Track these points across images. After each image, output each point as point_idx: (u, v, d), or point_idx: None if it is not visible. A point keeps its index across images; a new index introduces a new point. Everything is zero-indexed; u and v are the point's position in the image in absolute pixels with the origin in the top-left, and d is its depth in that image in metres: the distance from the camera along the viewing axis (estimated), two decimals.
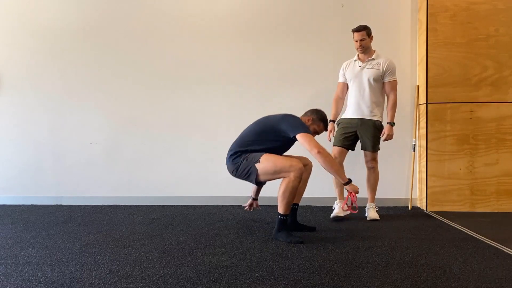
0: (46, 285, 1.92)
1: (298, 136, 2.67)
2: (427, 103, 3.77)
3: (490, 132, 3.72)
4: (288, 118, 2.80)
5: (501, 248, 2.52)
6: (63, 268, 2.15)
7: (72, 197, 4.15)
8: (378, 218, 3.33)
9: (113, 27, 4.16)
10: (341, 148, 3.38)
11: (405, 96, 4.01)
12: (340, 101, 3.52)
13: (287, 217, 2.68)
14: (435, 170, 3.76)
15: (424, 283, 1.93)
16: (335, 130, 3.50)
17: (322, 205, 3.90)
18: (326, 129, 3.04)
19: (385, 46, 4.01)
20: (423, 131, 3.82)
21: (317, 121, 2.92)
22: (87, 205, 4.04)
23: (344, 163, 3.54)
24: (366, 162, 3.43)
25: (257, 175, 2.68)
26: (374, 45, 4.05)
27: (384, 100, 3.45)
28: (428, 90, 3.77)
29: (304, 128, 2.71)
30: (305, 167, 2.81)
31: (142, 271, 2.09)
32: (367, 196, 3.50)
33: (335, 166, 2.72)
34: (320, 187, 3.96)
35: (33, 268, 2.16)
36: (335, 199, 3.92)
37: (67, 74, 4.18)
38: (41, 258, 2.32)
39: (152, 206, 3.98)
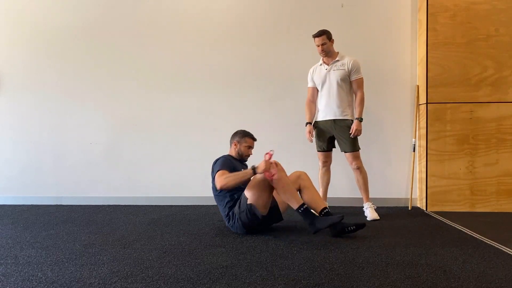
0: (46, 285, 1.92)
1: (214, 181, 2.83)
2: (427, 103, 3.77)
3: (490, 132, 3.72)
4: (212, 169, 2.95)
5: (501, 248, 2.51)
6: (63, 268, 2.15)
7: (72, 197, 4.16)
8: (378, 218, 3.33)
9: (113, 27, 4.16)
10: (325, 152, 3.52)
11: (405, 96, 4.01)
12: (312, 104, 3.59)
13: (305, 206, 2.65)
14: (435, 170, 3.76)
15: (424, 283, 1.93)
16: (314, 133, 3.55)
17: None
18: (254, 139, 3.14)
19: (385, 46, 4.02)
20: (423, 131, 3.82)
21: (242, 139, 3.06)
22: (87, 205, 4.04)
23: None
24: (350, 163, 3.44)
25: (253, 205, 2.72)
26: (374, 45, 4.07)
27: (353, 99, 3.50)
28: (428, 90, 3.77)
29: (215, 171, 2.84)
30: (300, 178, 2.89)
31: (142, 271, 2.09)
32: (361, 197, 3.52)
33: (235, 176, 2.73)
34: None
35: (33, 268, 2.16)
36: (336, 199, 3.96)
37: (67, 74, 4.18)
38: (41, 258, 2.32)
39: (152, 206, 3.98)
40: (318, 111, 3.56)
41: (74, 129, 4.19)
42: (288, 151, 3.94)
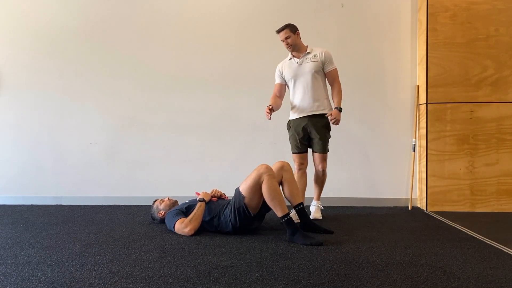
0: (46, 285, 1.92)
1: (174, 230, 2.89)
2: (427, 103, 3.77)
3: (490, 132, 3.72)
4: (168, 225, 2.97)
5: (501, 248, 2.51)
6: (63, 268, 2.15)
7: (72, 197, 4.16)
8: (320, 218, 3.31)
9: (113, 27, 4.16)
10: (301, 154, 3.31)
11: (405, 96, 4.01)
12: (277, 98, 3.35)
13: (289, 216, 2.68)
14: (435, 170, 3.76)
15: (424, 283, 1.93)
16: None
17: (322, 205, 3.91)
18: (157, 199, 3.28)
19: (385, 46, 4.02)
20: (423, 131, 3.82)
21: (158, 205, 3.21)
22: (87, 205, 4.04)
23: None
24: (317, 165, 3.28)
25: (246, 203, 2.75)
26: (374, 45, 4.06)
27: (328, 92, 3.33)
28: (428, 90, 3.77)
29: (173, 222, 2.88)
30: (283, 168, 2.90)
31: (142, 271, 2.09)
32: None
33: (193, 215, 2.85)
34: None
35: (33, 268, 2.15)
36: (334, 199, 3.95)
37: (67, 74, 4.18)
38: (41, 258, 2.32)
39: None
40: (292, 108, 3.34)
41: (74, 129, 4.19)
42: (285, 150, 3.94)
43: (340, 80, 3.32)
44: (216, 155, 4.13)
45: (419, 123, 3.94)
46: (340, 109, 3.18)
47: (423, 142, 3.81)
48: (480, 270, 2.12)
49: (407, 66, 4.01)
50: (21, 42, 4.20)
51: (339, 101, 3.21)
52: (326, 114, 3.20)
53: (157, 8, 4.14)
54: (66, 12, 4.18)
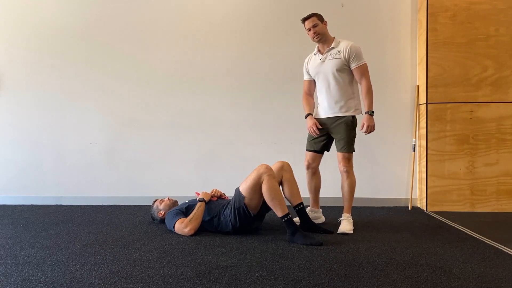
0: (46, 285, 1.92)
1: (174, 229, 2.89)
2: (427, 103, 3.77)
3: (490, 132, 3.72)
4: (168, 225, 2.97)
5: (501, 248, 2.52)
6: (63, 268, 2.15)
7: (72, 197, 4.16)
8: (351, 232, 2.86)
9: (113, 27, 4.16)
10: (313, 152, 3.11)
11: (405, 96, 4.02)
12: (309, 97, 3.16)
13: (289, 216, 2.68)
14: (435, 170, 3.76)
15: (424, 283, 1.93)
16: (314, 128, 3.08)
17: (323, 205, 3.90)
18: (157, 199, 3.28)
19: (385, 46, 4.02)
20: (423, 131, 3.82)
21: (157, 205, 3.21)
22: (87, 205, 4.04)
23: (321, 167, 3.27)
24: (339, 163, 3.00)
25: (246, 203, 2.74)
26: (374, 45, 4.05)
27: (357, 90, 3.04)
28: (428, 90, 3.77)
29: (173, 222, 2.87)
30: (283, 169, 2.91)
31: (142, 271, 2.09)
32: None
33: (193, 215, 2.84)
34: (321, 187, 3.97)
35: (33, 268, 2.15)
36: (334, 199, 3.93)
37: (67, 74, 4.18)
38: (41, 258, 2.32)
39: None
40: (317, 107, 3.14)
41: (74, 129, 4.19)
42: (285, 150, 3.95)
43: None
44: (216, 155, 4.13)
45: (419, 123, 3.94)
46: (371, 113, 2.92)
47: (423, 142, 3.81)
48: (480, 270, 2.12)
49: (407, 66, 4.01)
50: (21, 42, 4.20)
51: (370, 104, 2.92)
52: (348, 115, 2.97)
53: (157, 8, 4.13)
54: (66, 12, 4.17)
